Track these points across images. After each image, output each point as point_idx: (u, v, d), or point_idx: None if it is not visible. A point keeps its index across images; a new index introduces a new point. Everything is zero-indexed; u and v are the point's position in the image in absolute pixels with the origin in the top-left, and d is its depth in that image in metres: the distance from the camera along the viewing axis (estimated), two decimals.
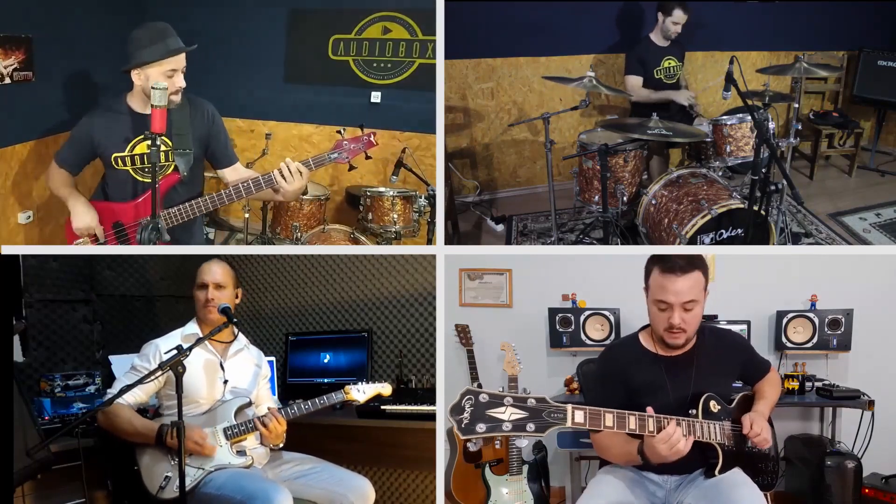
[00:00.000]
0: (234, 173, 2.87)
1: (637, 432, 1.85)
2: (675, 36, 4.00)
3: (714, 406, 2.00)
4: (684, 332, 1.99)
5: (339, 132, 2.81)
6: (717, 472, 1.98)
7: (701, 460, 2.02)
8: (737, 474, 2.00)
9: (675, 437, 1.83)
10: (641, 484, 2.09)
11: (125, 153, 2.68)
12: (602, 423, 1.80)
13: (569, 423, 1.72)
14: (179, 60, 2.60)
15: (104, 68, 3.52)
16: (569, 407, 1.72)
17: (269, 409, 2.44)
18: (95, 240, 2.74)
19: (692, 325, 2.00)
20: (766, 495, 2.09)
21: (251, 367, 2.58)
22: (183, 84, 2.63)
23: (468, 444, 2.98)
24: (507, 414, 1.65)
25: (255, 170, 3.23)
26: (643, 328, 2.17)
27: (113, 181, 2.75)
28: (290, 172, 2.58)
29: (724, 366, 2.14)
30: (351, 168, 2.76)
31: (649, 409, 1.87)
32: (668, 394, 2.03)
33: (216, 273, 2.49)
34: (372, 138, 2.71)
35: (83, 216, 2.71)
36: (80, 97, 3.47)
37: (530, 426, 1.66)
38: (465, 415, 1.64)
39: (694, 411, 1.98)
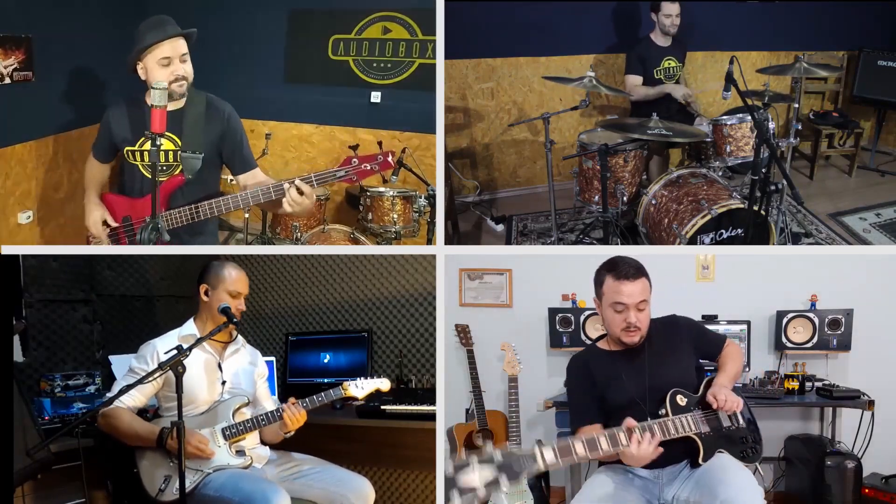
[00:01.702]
0: (250, 180, 2.72)
1: (610, 450, 1.88)
2: (675, 33, 4.00)
3: (681, 400, 2.10)
4: (639, 329, 2.13)
5: (351, 148, 2.71)
6: (700, 461, 2.04)
7: (686, 452, 2.08)
8: (724, 458, 2.05)
9: (637, 458, 1.90)
10: (635, 482, 2.13)
11: (135, 147, 2.65)
12: (574, 455, 1.83)
13: (540, 465, 1.74)
14: (176, 48, 2.53)
15: (104, 68, 3.52)
16: (536, 450, 1.75)
17: (290, 399, 2.42)
18: (111, 237, 2.71)
19: (645, 323, 2.15)
20: (756, 467, 2.15)
21: (246, 365, 2.56)
22: (182, 72, 2.55)
23: None
24: (478, 477, 1.63)
25: None
26: (598, 339, 2.32)
27: (126, 174, 2.73)
28: (296, 196, 2.45)
29: (675, 346, 2.23)
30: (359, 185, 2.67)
31: (628, 421, 1.92)
32: (624, 383, 2.13)
33: (247, 284, 2.50)
34: (389, 158, 2.53)
35: (90, 214, 2.72)
36: (79, 97, 3.48)
37: (503, 479, 1.65)
38: None
39: (663, 410, 2.06)
